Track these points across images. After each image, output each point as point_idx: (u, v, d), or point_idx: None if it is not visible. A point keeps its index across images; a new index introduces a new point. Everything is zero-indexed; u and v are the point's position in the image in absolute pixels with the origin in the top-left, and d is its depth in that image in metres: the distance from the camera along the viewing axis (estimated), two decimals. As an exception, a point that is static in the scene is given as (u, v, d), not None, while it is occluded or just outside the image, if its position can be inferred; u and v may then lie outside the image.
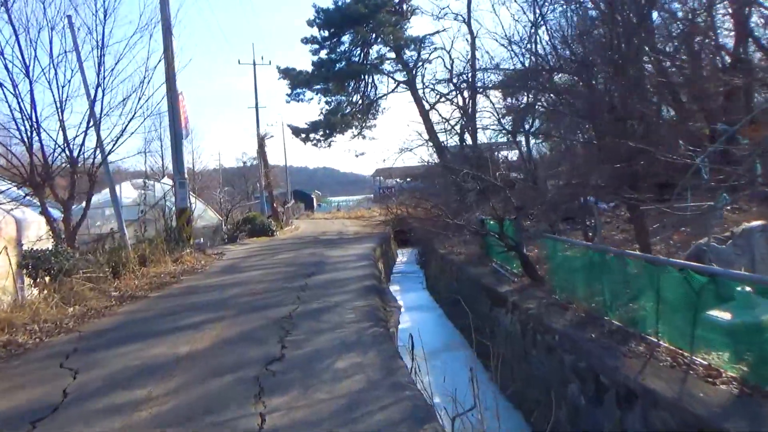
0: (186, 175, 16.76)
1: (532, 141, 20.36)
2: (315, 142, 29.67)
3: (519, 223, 9.16)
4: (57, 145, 9.95)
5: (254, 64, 36.02)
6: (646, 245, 6.55)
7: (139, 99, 10.64)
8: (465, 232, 12.15)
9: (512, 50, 23.14)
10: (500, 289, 8.77)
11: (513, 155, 25.91)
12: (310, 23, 27.71)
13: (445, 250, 15.41)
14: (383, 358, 5.11)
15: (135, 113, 10.59)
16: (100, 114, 10.41)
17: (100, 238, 14.17)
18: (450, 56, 27.36)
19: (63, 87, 9.79)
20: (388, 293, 8.93)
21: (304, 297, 8.32)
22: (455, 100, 26.44)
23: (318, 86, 28.93)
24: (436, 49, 26.90)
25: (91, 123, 10.41)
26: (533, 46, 21.53)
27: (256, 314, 7.18)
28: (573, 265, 7.12)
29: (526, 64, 21.29)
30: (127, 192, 20.62)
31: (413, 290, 16.46)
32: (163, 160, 48.23)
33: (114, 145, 10.80)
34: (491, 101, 17.89)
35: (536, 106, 17.78)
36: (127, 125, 10.60)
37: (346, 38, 28.23)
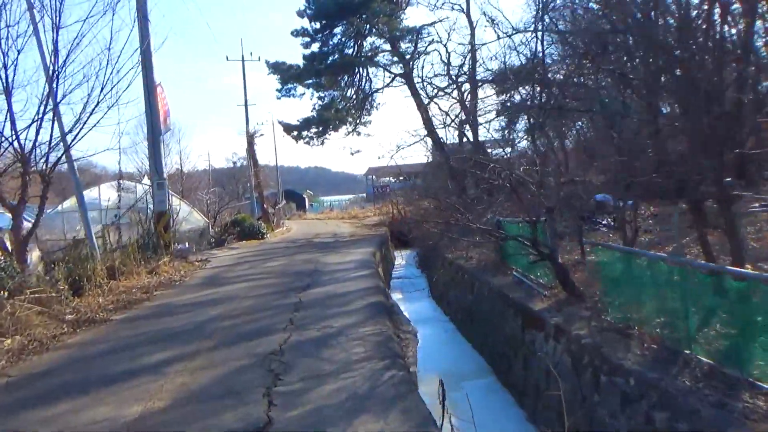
0: (165, 175, 15.21)
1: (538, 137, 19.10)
2: (307, 139, 28.13)
3: (552, 226, 7.73)
4: (4, 138, 8.37)
5: (243, 60, 34.53)
6: (739, 255, 5.13)
7: (102, 88, 9.03)
8: (480, 236, 10.71)
9: (513, 41, 21.89)
10: (533, 305, 7.34)
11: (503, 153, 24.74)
12: (301, 14, 26.17)
13: (453, 254, 14.00)
14: (413, 425, 3.65)
15: (99, 102, 8.99)
16: (56, 95, 8.79)
17: (65, 248, 12.61)
18: (446, 49, 26.03)
19: (8, 67, 8.19)
20: (398, 312, 7.51)
21: (298, 320, 6.84)
22: (453, 93, 25.10)
23: (310, 81, 27.38)
24: (433, 41, 25.51)
25: (50, 106, 8.75)
26: (538, 34, 20.25)
27: (238, 348, 5.69)
28: (635, 281, 5.71)
29: (529, 54, 20.01)
30: (108, 194, 19.00)
31: (417, 299, 15.00)
32: (149, 159, 46.41)
33: (74, 139, 9.23)
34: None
35: (547, 97, 16.50)
36: (89, 115, 9.00)
37: (338, 30, 26.71)
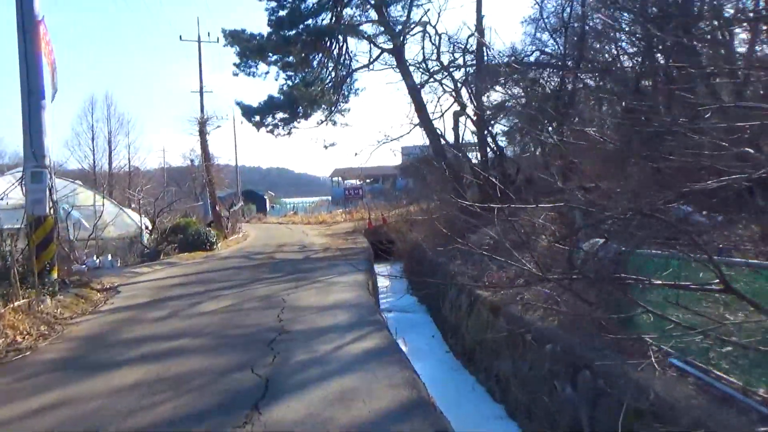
0: (48, 161, 9.78)
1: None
2: (271, 127, 22.69)
3: None
4: None
5: (199, 40, 29.55)
6: None
7: None
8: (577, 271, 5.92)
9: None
10: None
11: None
12: (267, -30, 20.98)
13: (491, 293, 9.19)
14: None
15: None
16: None
17: None
18: (436, 31, 21.37)
19: None
20: None
21: None
22: (452, 74, 20.45)
23: (276, 56, 22.13)
24: (422, 19, 20.74)
25: None
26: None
27: None
28: None
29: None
30: (6, 188, 13.38)
31: (430, 355, 10.16)
32: (93, 154, 40.10)
33: None
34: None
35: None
36: None
37: (312, -6, 21.64)
